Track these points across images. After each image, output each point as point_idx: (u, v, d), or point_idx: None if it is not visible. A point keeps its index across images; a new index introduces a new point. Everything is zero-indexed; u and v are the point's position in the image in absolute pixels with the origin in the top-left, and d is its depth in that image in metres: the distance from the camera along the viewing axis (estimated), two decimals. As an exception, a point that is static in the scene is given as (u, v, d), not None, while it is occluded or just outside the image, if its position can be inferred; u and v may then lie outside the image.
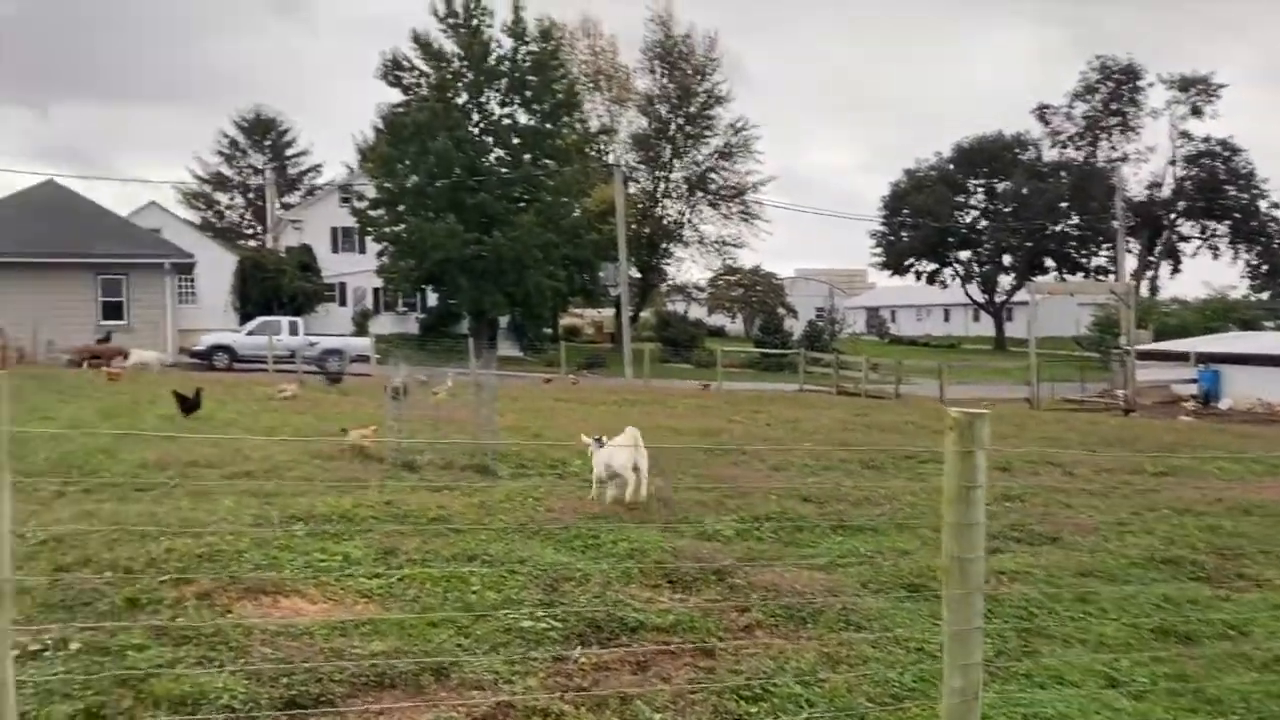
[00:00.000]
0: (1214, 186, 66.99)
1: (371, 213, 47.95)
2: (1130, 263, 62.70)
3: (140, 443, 11.13)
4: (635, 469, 8.80)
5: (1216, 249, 69.44)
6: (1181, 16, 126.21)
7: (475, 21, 47.13)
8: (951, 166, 74.28)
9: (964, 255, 75.77)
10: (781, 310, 64.41)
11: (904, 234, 74.53)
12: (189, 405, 14.66)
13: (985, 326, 76.79)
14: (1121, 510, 9.59)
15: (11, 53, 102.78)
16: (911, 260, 76.48)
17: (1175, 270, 71.23)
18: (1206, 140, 67.46)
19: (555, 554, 6.84)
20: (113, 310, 34.87)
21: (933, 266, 76.40)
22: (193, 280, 43.67)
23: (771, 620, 5.66)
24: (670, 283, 66.23)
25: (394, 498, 8.42)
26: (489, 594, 5.72)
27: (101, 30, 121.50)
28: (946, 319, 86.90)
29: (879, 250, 77.47)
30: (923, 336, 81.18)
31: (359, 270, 53.35)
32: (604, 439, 9.33)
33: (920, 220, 70.50)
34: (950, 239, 73.33)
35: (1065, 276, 71.36)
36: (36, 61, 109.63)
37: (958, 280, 76.15)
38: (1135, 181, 68.13)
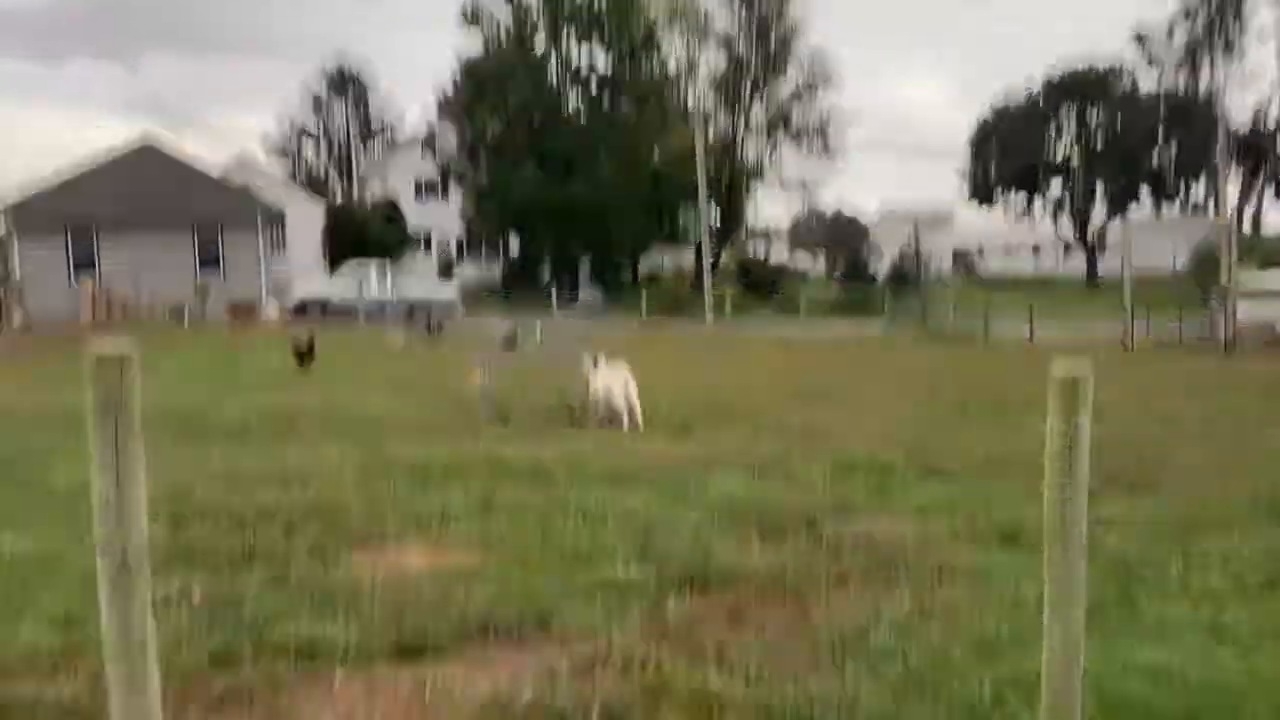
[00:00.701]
0: (1325, 112, 63.36)
1: (454, 162, 48.42)
2: (1232, 194, 59.93)
3: (244, 393, 11.58)
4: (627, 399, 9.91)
5: (1325, 181, 65.90)
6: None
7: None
8: (1043, 99, 71.56)
9: (1055, 189, 73.27)
10: (865, 250, 63.30)
11: (993, 168, 72.33)
12: (303, 357, 15.16)
13: (1076, 263, 74.30)
14: (1224, 456, 9.33)
15: (101, 6, 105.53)
16: (1000, 195, 74.28)
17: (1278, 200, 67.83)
18: (1318, 63, 63.69)
19: (645, 502, 6.96)
20: (209, 264, 36.02)
21: (1023, 200, 74.13)
22: (283, 231, 44.81)
23: (863, 570, 5.69)
24: (751, 225, 65.55)
25: (490, 448, 8.63)
26: (584, 543, 5.85)
27: None
28: (1036, 254, 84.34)
29: (967, 186, 75.41)
30: (1012, 273, 79.02)
31: (443, 219, 54.02)
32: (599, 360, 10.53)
33: (1010, 153, 68.27)
34: (1041, 173, 70.94)
35: (1162, 209, 68.57)
36: (125, 15, 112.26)
37: (1048, 216, 73.81)
38: (1238, 109, 64.82)
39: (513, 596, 4.97)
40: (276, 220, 40.13)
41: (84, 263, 34.47)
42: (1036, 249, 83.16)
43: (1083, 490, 3.27)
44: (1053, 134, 71.78)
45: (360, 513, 6.39)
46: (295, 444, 8.68)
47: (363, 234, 48.26)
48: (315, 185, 66.67)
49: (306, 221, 46.53)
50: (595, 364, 10.44)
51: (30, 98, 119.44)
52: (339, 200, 60.47)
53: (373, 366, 16.12)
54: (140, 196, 34.95)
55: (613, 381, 9.98)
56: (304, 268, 44.36)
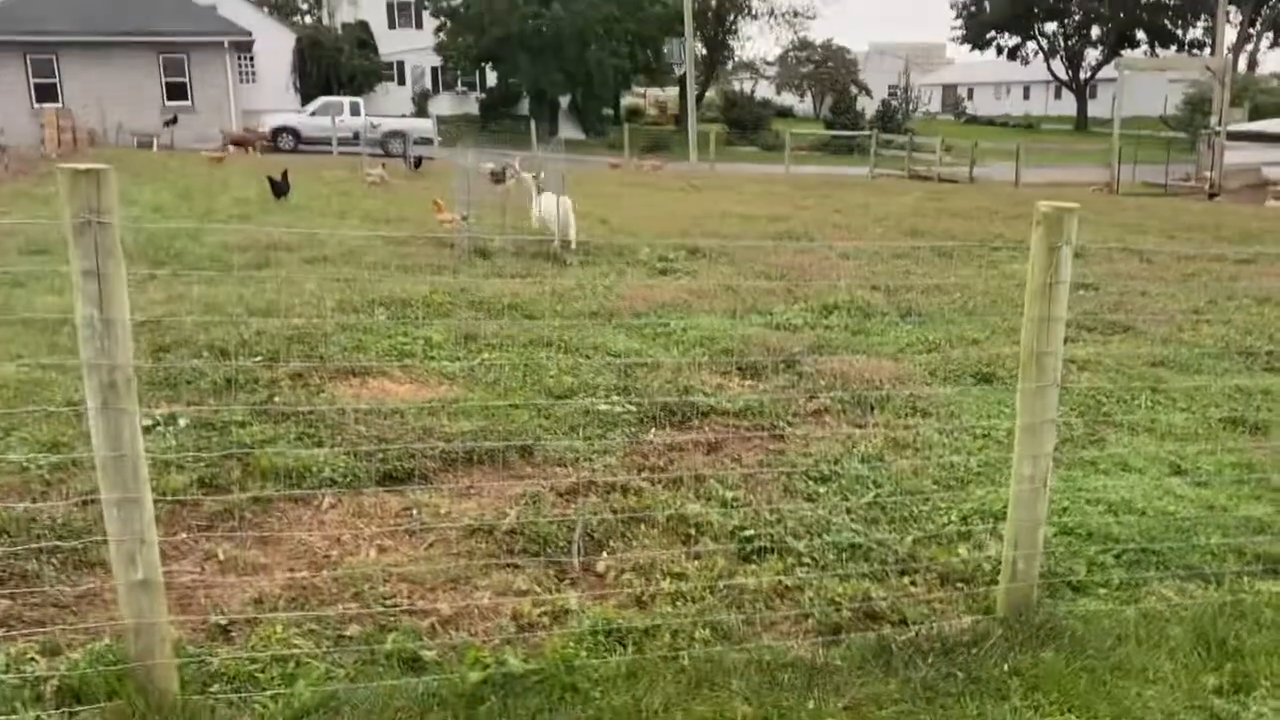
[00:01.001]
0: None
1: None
2: (1229, 36, 58.35)
3: (220, 224, 11.40)
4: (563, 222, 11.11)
5: (1327, 19, 64.24)
6: None
7: None
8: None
9: (1050, 28, 71.20)
10: (853, 88, 61.77)
11: (987, 4, 69.99)
12: (279, 189, 14.88)
13: (1067, 105, 73.07)
14: (1199, 299, 9.44)
15: None
16: (993, 34, 72.17)
17: (1276, 43, 66.34)
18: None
19: (627, 341, 7.01)
20: (177, 91, 34.84)
21: (1016, 40, 72.10)
22: (252, 59, 43.15)
23: (839, 406, 5.81)
24: (737, 59, 63.66)
25: (469, 284, 8.60)
26: (565, 378, 5.92)
27: None
28: (1026, 97, 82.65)
29: (959, 23, 73.14)
30: (1001, 116, 77.60)
31: (417, 48, 52.06)
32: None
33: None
34: (1036, 10, 68.70)
35: (1157, 51, 66.95)
36: None
37: (1041, 55, 71.94)
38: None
39: (495, 427, 5.06)
40: (245, 47, 38.56)
41: (45, 87, 33.21)
42: (1027, 91, 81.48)
43: (1060, 326, 3.32)
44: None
45: (341, 345, 6.41)
46: (273, 277, 8.61)
47: (334, 63, 46.57)
48: (284, 10, 63.82)
49: (276, 49, 44.74)
50: (538, 191, 12.02)
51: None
52: (310, 21, 58.02)
53: (350, 199, 15.85)
54: (101, 16, 33.39)
55: (550, 206, 11.36)
56: (274, 97, 42.97)
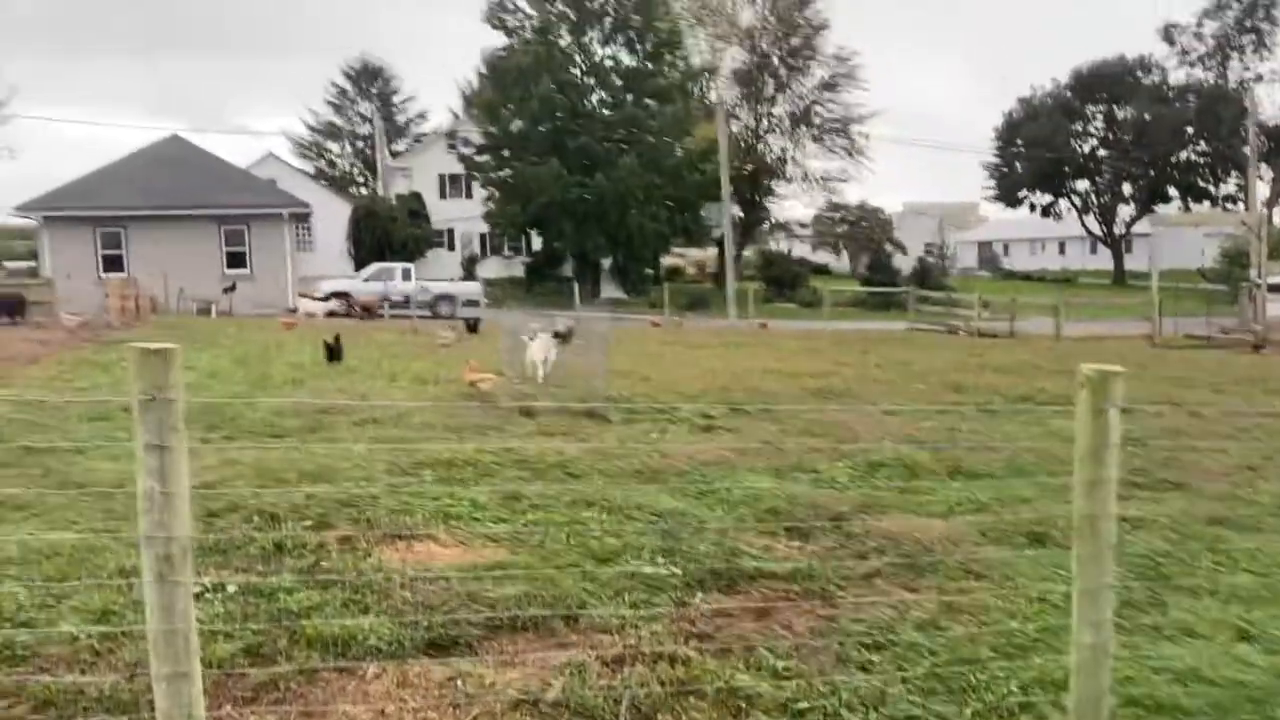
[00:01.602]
0: (1357, 105, 62.46)
1: (477, 158, 48.58)
2: (1262, 190, 59.11)
3: (274, 389, 11.69)
4: (545, 360, 13.41)
5: (1358, 173, 64.95)
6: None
7: (579, -39, 46.96)
8: (1069, 93, 70.92)
9: (1082, 186, 72.68)
10: (889, 246, 62.98)
11: (1018, 165, 71.84)
12: (333, 353, 15.35)
13: (1103, 260, 73.75)
14: (1253, 454, 9.25)
15: (119, 5, 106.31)
16: (1026, 192, 73.78)
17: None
18: (1350, 57, 62.87)
19: (671, 500, 6.99)
20: (236, 259, 36.36)
21: (1048, 198, 73.58)
22: (309, 228, 45.20)
23: (891, 569, 5.70)
24: (773, 220, 65.39)
25: (514, 444, 8.68)
26: (610, 540, 5.89)
27: None
28: (1062, 252, 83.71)
29: (991, 183, 74.98)
30: (1038, 271, 78.44)
31: (466, 216, 54.31)
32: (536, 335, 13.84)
33: (1036, 150, 67.74)
34: (1067, 169, 70.33)
35: (1190, 206, 67.85)
36: (145, 14, 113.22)
37: (1074, 212, 73.17)
38: (1269, 104, 63.94)
39: (540, 592, 5.02)
40: (303, 218, 40.42)
41: (112, 258, 34.84)
42: (1063, 246, 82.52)
43: (1111, 489, 3.28)
44: (1080, 128, 71.15)
45: (389, 508, 6.46)
46: (324, 439, 8.76)
47: (388, 230, 48.56)
48: (341, 182, 67.14)
49: (332, 218, 46.91)
50: (532, 338, 13.79)
51: (56, 97, 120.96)
52: (365, 193, 60.83)
53: (401, 361, 16.22)
54: (167, 192, 35.31)
55: (537, 349, 13.51)
56: (330, 264, 44.73)
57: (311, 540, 5.72)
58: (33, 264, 38.54)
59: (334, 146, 74.02)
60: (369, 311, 32.39)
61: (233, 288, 34.35)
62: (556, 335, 14.15)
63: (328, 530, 5.95)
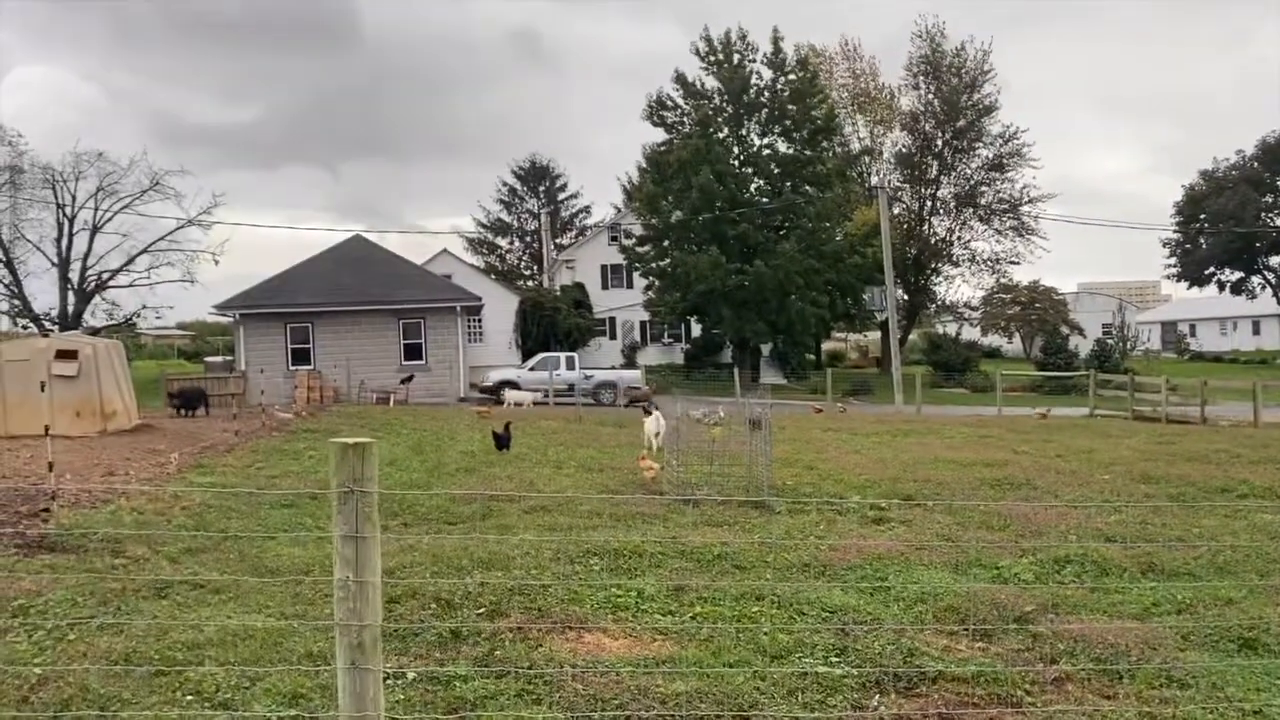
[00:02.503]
0: None
1: (638, 249, 49.73)
2: None
3: (447, 477, 12.09)
4: (658, 434, 15.29)
5: None
6: None
7: (736, 57, 48.02)
8: (1256, 164, 67.05)
9: (1276, 261, 68.06)
10: (1065, 328, 60.32)
11: (1203, 241, 68.03)
12: (502, 442, 15.85)
13: (1305, 338, 68.49)
14: None
15: (305, 119, 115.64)
16: (1212, 269, 69.66)
17: None
18: None
19: (843, 595, 6.78)
20: (412, 351, 38.13)
21: (1238, 275, 69.19)
22: (480, 320, 47.06)
23: (1083, 673, 5.32)
24: (939, 303, 63.89)
25: (678, 534, 8.65)
26: (780, 636, 5.75)
27: (377, 95, 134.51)
28: (1256, 332, 78.08)
29: (1173, 260, 71.21)
30: (1228, 352, 73.40)
31: (627, 305, 55.52)
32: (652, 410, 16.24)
33: (1222, 225, 64.07)
34: (1258, 244, 66.08)
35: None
36: (327, 125, 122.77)
37: (1269, 289, 68.42)
38: None
39: (711, 689, 4.93)
40: (474, 310, 42.19)
41: (300, 351, 37.19)
42: (1257, 325, 77.09)
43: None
44: (1270, 201, 67.00)
45: (558, 597, 6.52)
46: (495, 527, 8.97)
47: (553, 320, 50.06)
48: (509, 276, 69.90)
49: (501, 310, 48.77)
50: (649, 412, 16.15)
51: (250, 203, 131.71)
52: (532, 285, 63.08)
53: (566, 450, 16.54)
54: (351, 288, 37.59)
55: (650, 424, 15.71)
56: (499, 354, 46.40)
57: (486, 628, 5.82)
58: (229, 358, 41.47)
59: (503, 242, 77.41)
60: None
61: (410, 378, 36.00)
62: (752, 425, 13.93)
63: (501, 618, 6.05)
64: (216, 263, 48.16)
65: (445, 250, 53.88)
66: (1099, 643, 5.77)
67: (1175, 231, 69.71)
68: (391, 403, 32.95)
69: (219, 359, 43.37)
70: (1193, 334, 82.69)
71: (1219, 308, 78.74)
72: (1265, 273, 68.72)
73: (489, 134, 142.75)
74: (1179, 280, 73.83)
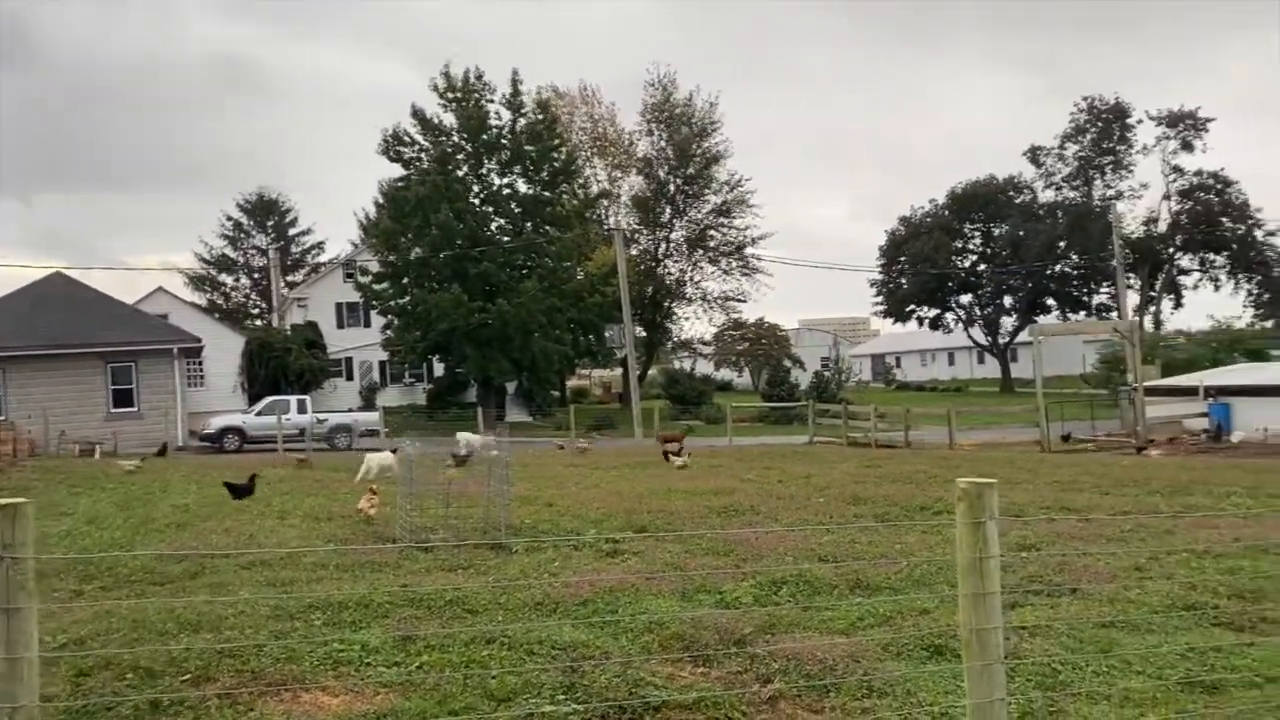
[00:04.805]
0: (1209, 219, 67.48)
1: (376, 286, 48.39)
2: (1132, 299, 62.88)
3: (156, 533, 11.14)
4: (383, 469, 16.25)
5: (1217, 280, 69.84)
6: (1162, 59, 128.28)
7: (475, 96, 47.99)
8: (947, 212, 74.91)
9: (965, 299, 76.13)
10: (788, 362, 64.44)
11: (904, 281, 74.98)
12: (240, 492, 14.92)
13: (991, 368, 76.88)
14: (1140, 555, 9.53)
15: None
16: (913, 306, 76.84)
17: (1177, 304, 71.59)
18: (1199, 174, 68.21)
19: (574, 631, 6.82)
20: (123, 397, 35.11)
21: (934, 312, 76.75)
22: (200, 363, 44.04)
23: (794, 691, 5.62)
24: (676, 339, 66.54)
25: (409, 581, 8.41)
26: (509, 678, 5.69)
27: (74, 119, 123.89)
28: (951, 363, 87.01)
29: (880, 299, 77.91)
30: (929, 381, 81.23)
31: (365, 344, 53.82)
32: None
33: (919, 267, 70.90)
34: (950, 284, 73.69)
35: (1068, 315, 71.61)
36: (17, 152, 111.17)
37: (960, 324, 76.39)
38: (1131, 218, 68.77)
39: (434, 739, 4.80)
40: (194, 353, 39.40)
41: (-11, 399, 33.34)
42: (952, 357, 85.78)
43: (996, 599, 3.32)
44: (960, 245, 74.91)
45: (273, 657, 6.14)
46: (207, 586, 8.34)
47: (283, 362, 47.60)
48: (236, 315, 65.98)
49: (224, 352, 45.87)
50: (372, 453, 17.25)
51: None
52: (260, 324, 59.83)
53: (292, 499, 15.69)
54: (50, 330, 34.16)
55: (374, 461, 16.86)
56: (222, 399, 43.52)
57: (190, 696, 5.38)
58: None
59: (228, 279, 73.09)
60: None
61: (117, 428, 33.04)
62: (456, 460, 14.01)
63: (208, 684, 5.62)
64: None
65: (161, 288, 50.19)
66: (810, 659, 6.12)
67: (880, 272, 76.38)
68: (97, 454, 30.07)
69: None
70: (899, 365, 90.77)
71: (920, 341, 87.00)
72: (957, 309, 76.57)
73: (210, 166, 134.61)
74: (885, 316, 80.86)
